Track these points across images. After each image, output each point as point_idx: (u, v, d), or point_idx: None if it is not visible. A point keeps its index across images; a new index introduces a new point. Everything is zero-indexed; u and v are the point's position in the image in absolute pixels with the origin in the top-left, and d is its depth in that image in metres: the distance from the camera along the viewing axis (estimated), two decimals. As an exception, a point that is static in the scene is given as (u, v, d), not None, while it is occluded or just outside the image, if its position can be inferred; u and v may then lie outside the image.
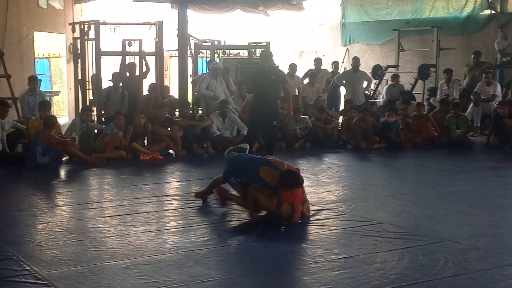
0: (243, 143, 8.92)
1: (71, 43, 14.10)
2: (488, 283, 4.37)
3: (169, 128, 10.86)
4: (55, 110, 15.84)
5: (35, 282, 4.24)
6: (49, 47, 17.45)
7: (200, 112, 11.84)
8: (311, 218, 6.16)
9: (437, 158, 10.87)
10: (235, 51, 16.48)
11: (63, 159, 9.84)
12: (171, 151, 10.73)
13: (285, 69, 14.25)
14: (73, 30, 12.66)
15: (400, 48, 15.82)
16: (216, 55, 14.77)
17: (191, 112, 11.69)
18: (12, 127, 10.01)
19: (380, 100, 14.74)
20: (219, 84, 12.00)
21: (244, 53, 16.38)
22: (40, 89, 12.16)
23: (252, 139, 9.10)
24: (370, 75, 15.01)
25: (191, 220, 6.11)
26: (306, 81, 14.35)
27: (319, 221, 6.07)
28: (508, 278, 4.47)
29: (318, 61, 14.91)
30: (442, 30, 15.29)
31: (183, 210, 6.56)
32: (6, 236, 5.38)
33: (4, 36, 11.81)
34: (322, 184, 8.16)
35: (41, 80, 11.71)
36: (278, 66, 10.39)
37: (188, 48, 13.38)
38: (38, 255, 4.85)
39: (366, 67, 15.62)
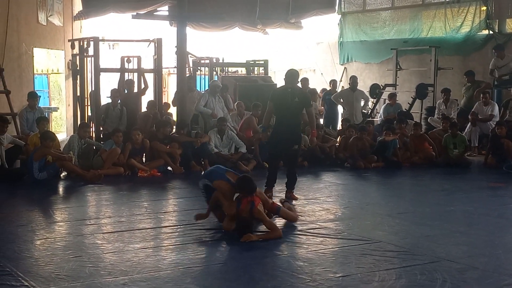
0: (268, 171, 8.57)
1: (70, 60, 14.16)
2: (486, 303, 4.38)
3: (168, 146, 10.88)
4: (53, 126, 15.86)
5: (33, 298, 4.24)
6: (48, 63, 17.51)
7: (195, 130, 11.87)
8: (309, 236, 6.17)
9: (434, 177, 10.90)
10: (234, 69, 16.56)
11: (61, 175, 9.85)
12: (169, 168, 10.75)
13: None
14: (73, 47, 12.72)
15: (398, 67, 15.92)
16: (214, 72, 14.85)
17: (187, 130, 11.71)
18: (11, 143, 10.04)
19: (378, 119, 14.79)
20: (217, 102, 12.06)
21: (242, 70, 16.47)
22: (39, 105, 12.18)
23: (272, 165, 8.55)
24: (367, 94, 15.07)
25: (188, 237, 6.11)
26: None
27: (317, 239, 6.08)
28: (506, 298, 4.49)
29: (304, 81, 14.62)
30: (440, 49, 15.40)
31: (181, 227, 6.56)
32: (4, 251, 5.38)
33: (3, 52, 11.85)
34: (320, 202, 8.17)
35: (40, 96, 11.73)
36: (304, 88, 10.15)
37: (187, 66, 13.43)
38: (36, 271, 4.85)
39: (364, 86, 15.73)
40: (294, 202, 8.04)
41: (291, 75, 8.25)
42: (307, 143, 11.91)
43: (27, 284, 4.51)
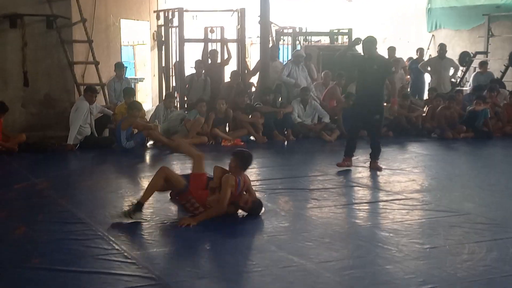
0: (347, 139, 8.39)
1: (155, 31, 14.38)
2: None
3: (250, 115, 10.92)
4: (139, 97, 16.23)
5: (124, 261, 4.37)
6: (133, 35, 17.89)
7: (280, 99, 11.82)
8: (395, 207, 6.05)
9: (528, 148, 10.44)
10: (317, 38, 16.34)
11: (147, 144, 10.08)
12: (252, 137, 10.80)
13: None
14: (158, 18, 12.89)
15: (490, 34, 15.22)
16: (297, 42, 14.71)
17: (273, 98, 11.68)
18: (100, 112, 10.36)
19: (467, 88, 14.26)
20: (300, 71, 11.95)
21: (325, 40, 16.23)
22: (126, 76, 12.47)
23: (352, 136, 8.38)
24: (457, 62, 14.52)
25: (272, 206, 6.12)
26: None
27: (403, 210, 5.95)
28: None
29: (391, 50, 14.26)
30: (535, 14, 14.62)
31: (265, 196, 6.58)
32: (96, 216, 5.57)
33: (92, 24, 12.15)
34: (406, 173, 7.99)
35: (126, 67, 11.99)
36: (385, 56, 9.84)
37: (270, 35, 13.36)
38: (126, 236, 5.00)
39: (453, 54, 15.14)
40: (378, 172, 7.91)
41: (368, 42, 8.01)
42: (392, 113, 11.67)
43: (118, 248, 4.66)
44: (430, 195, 6.67)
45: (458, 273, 4.19)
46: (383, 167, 8.13)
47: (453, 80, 14.20)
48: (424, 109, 12.61)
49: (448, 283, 3.99)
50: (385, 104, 9.02)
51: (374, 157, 8.20)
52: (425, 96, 13.85)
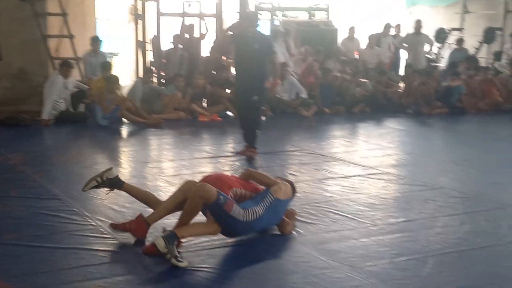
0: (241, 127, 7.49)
1: (132, 4, 14.21)
2: (554, 251, 4.25)
3: (228, 90, 10.89)
4: (115, 71, 16.05)
5: (100, 236, 4.37)
6: (109, 9, 17.65)
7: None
8: (371, 181, 6.11)
9: (501, 124, 10.57)
10: (295, 14, 16.27)
11: (123, 119, 10.01)
12: (229, 113, 10.77)
13: (344, 32, 14.04)
14: (134, -8, 12.75)
15: (465, 10, 15.28)
16: (275, 17, 14.65)
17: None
18: (75, 87, 10.23)
19: (443, 64, 14.34)
20: (279, 47, 11.90)
21: (304, 15, 16.16)
22: (102, 50, 12.32)
23: (241, 124, 7.50)
24: (433, 38, 14.58)
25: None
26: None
27: (379, 185, 6.01)
28: None
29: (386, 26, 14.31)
30: (511, -9, 14.71)
31: (242, 170, 6.58)
32: (71, 192, 5.53)
33: (67, -2, 11.97)
34: (382, 148, 8.05)
35: (102, 41, 11.84)
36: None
37: (248, 10, 13.28)
38: (102, 211, 4.98)
39: (429, 30, 15.18)
40: (355, 147, 7.96)
41: (249, 17, 7.42)
42: (369, 89, 11.72)
43: (94, 223, 4.64)
44: (405, 170, 6.74)
45: (431, 246, 4.26)
46: (361, 141, 8.18)
47: (428, 56, 14.28)
48: (401, 85, 12.68)
49: (421, 255, 4.05)
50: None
51: (249, 142, 7.32)
52: (402, 72, 13.92)
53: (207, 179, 4.42)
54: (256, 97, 7.13)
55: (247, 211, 4.16)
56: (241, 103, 7.40)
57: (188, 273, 3.76)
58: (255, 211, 4.21)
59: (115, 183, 4.61)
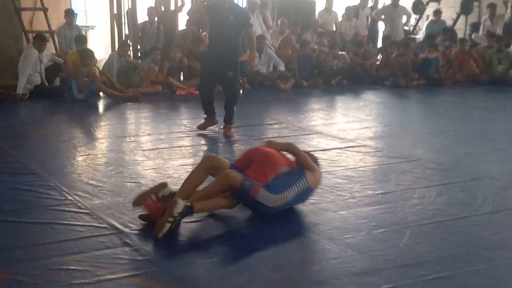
0: (201, 99, 7.38)
1: (106, -24, 13.97)
2: (528, 221, 4.32)
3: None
4: (90, 45, 15.84)
5: (77, 211, 4.33)
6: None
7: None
8: (348, 154, 6.14)
9: (477, 95, 10.67)
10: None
11: (100, 93, 9.91)
12: (207, 86, 10.70)
13: (321, 4, 13.98)
14: (108, -38, 12.49)
15: (443, -19, 15.29)
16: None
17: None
18: (50, 61, 10.10)
19: (420, 36, 14.37)
20: (256, 19, 11.81)
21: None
22: (76, 23, 12.13)
23: (204, 93, 7.33)
24: (410, 10, 14.58)
25: (225, 154, 6.13)
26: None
27: (356, 157, 6.04)
28: (549, 216, 4.41)
29: None
30: (487, -38, 14.71)
31: (220, 144, 6.59)
32: (48, 166, 5.48)
33: (40, -31, 11.73)
34: (359, 120, 8.08)
35: (76, 14, 11.65)
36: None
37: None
38: (79, 186, 4.94)
39: (406, 2, 15.17)
40: (332, 120, 7.98)
41: None
42: (347, 61, 11.72)
43: (71, 198, 4.60)
44: (383, 142, 6.78)
45: (409, 217, 4.30)
46: (339, 114, 8.21)
47: (406, 28, 14.30)
48: (378, 57, 12.70)
49: (399, 227, 4.09)
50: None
51: (227, 121, 7.15)
52: (380, 44, 13.93)
53: (255, 152, 4.39)
54: (231, 72, 6.93)
55: (277, 195, 4.12)
56: (213, 77, 7.11)
57: (164, 244, 3.75)
58: (285, 197, 4.17)
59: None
